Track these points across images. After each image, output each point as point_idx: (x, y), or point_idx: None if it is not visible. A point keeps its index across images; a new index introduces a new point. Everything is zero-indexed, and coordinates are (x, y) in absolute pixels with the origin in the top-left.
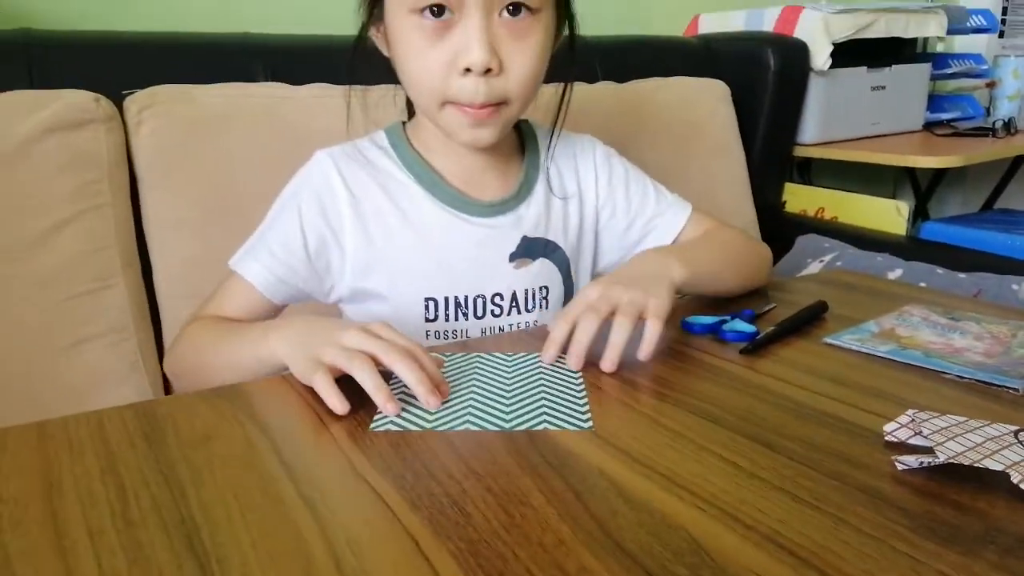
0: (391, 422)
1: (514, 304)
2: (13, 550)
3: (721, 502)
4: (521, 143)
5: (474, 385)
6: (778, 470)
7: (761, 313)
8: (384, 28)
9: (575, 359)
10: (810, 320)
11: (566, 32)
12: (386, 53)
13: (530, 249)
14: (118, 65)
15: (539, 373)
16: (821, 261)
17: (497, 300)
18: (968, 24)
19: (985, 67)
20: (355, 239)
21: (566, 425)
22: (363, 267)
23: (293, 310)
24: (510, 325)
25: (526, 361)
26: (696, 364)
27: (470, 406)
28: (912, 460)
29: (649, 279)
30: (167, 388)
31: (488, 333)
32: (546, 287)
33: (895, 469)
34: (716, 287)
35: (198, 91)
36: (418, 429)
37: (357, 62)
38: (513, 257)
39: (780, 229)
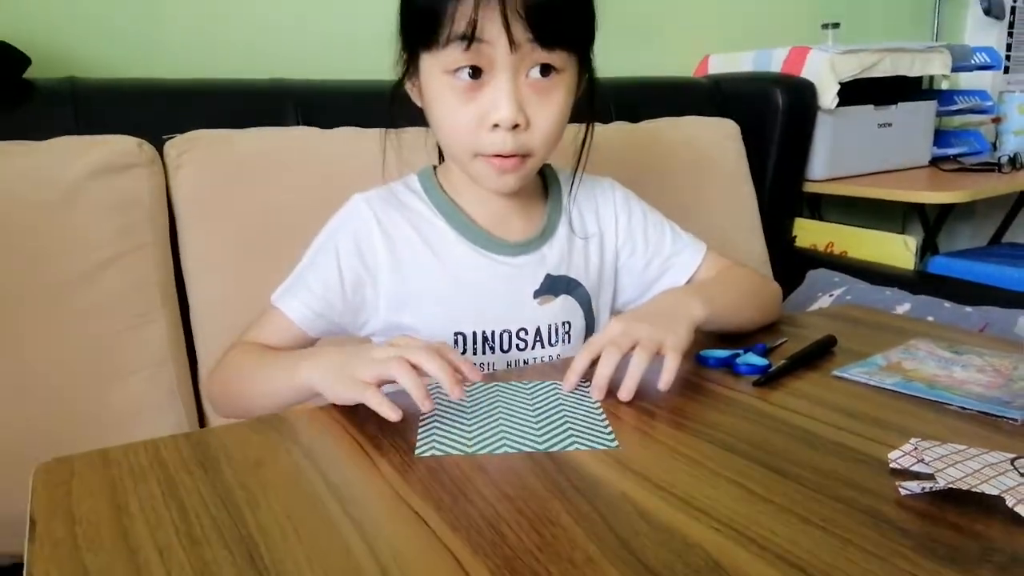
0: (434, 448)
1: (538, 338)
2: (92, 566)
3: (736, 523)
4: (545, 186)
5: (500, 411)
6: (789, 494)
7: (773, 347)
8: (419, 82)
9: (598, 390)
10: (820, 354)
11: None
12: (419, 104)
13: (553, 286)
14: (159, 110)
15: (558, 400)
16: (831, 295)
17: (522, 335)
18: (972, 62)
19: (990, 103)
20: (389, 277)
21: (595, 444)
22: (396, 303)
23: (327, 341)
24: (534, 359)
25: (543, 389)
26: (711, 396)
27: (502, 430)
28: (915, 485)
29: (670, 317)
30: (202, 419)
31: (513, 366)
32: (568, 322)
33: (899, 494)
34: (733, 324)
35: (234, 135)
36: (460, 453)
37: (392, 109)
38: (537, 294)
39: (791, 263)
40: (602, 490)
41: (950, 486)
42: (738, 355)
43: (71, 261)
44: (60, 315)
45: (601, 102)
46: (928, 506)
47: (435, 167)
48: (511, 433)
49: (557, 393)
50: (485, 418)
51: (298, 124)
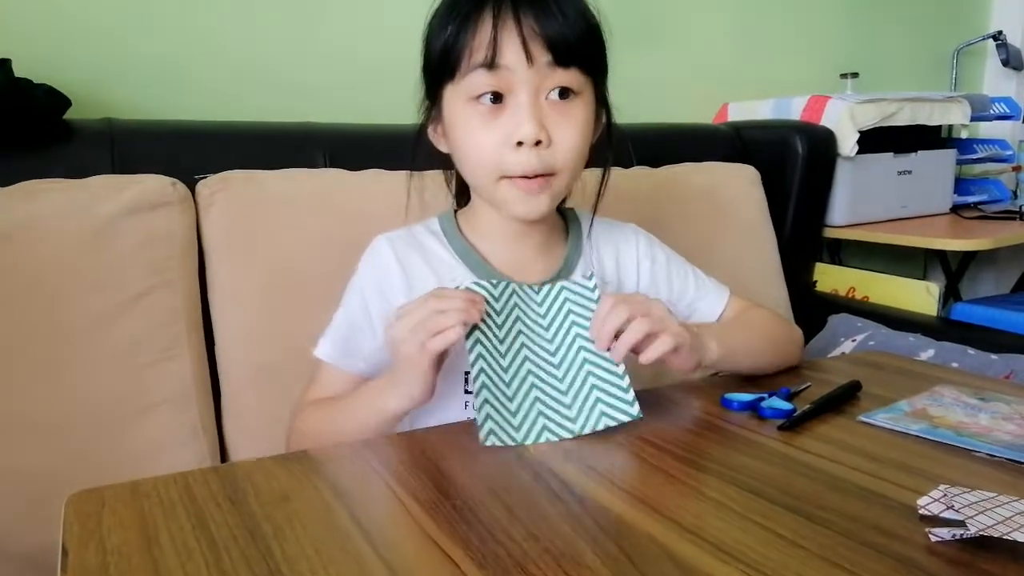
0: (493, 436)
1: None
2: None
3: (765, 568)
4: (565, 229)
5: (531, 378)
6: (818, 540)
7: (797, 391)
8: (441, 126)
9: (602, 337)
10: (844, 398)
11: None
12: (442, 149)
13: None
14: (192, 151)
15: (580, 349)
16: (854, 340)
17: None
18: (991, 112)
19: (1010, 152)
20: None
21: (621, 416)
22: None
23: None
24: None
25: (553, 299)
26: (736, 439)
27: (539, 411)
28: (945, 532)
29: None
30: (223, 454)
31: None
32: None
33: (929, 540)
34: (750, 366)
35: (264, 176)
36: (514, 443)
37: (416, 154)
38: None
39: (812, 308)
40: (629, 532)
41: (981, 533)
42: (763, 399)
43: (103, 296)
44: (89, 349)
45: (621, 147)
46: (959, 553)
47: (456, 211)
48: (548, 415)
49: (579, 342)
50: (522, 395)
51: (326, 166)
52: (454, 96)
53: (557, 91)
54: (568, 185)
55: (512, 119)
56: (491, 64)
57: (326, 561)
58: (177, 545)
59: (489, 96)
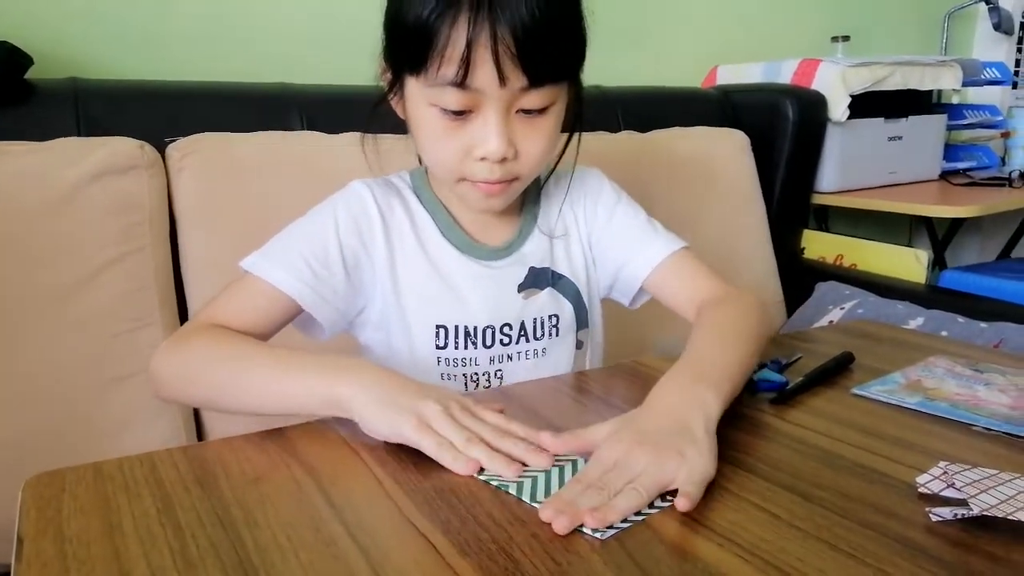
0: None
1: (523, 333)
2: None
3: (762, 551)
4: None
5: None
6: (815, 520)
7: (789, 363)
8: (402, 99)
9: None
10: (837, 370)
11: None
12: (403, 116)
13: (538, 279)
14: (162, 113)
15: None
16: (842, 308)
17: (506, 330)
18: (982, 76)
19: (1000, 118)
20: (384, 264)
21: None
22: (388, 292)
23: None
24: (518, 353)
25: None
26: (727, 413)
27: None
28: (946, 512)
29: (682, 428)
30: (199, 425)
31: (496, 361)
32: (555, 315)
33: (929, 520)
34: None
35: (237, 139)
36: (515, 496)
37: (374, 118)
38: (522, 288)
39: (800, 275)
40: None
41: (984, 513)
42: (754, 371)
43: (70, 264)
44: (57, 319)
45: (610, 111)
46: (961, 533)
47: (427, 168)
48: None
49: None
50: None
51: (303, 129)
52: (416, 89)
53: (528, 104)
54: (527, 183)
55: (479, 132)
56: (460, 85)
57: (297, 546)
58: (141, 532)
59: (455, 111)
